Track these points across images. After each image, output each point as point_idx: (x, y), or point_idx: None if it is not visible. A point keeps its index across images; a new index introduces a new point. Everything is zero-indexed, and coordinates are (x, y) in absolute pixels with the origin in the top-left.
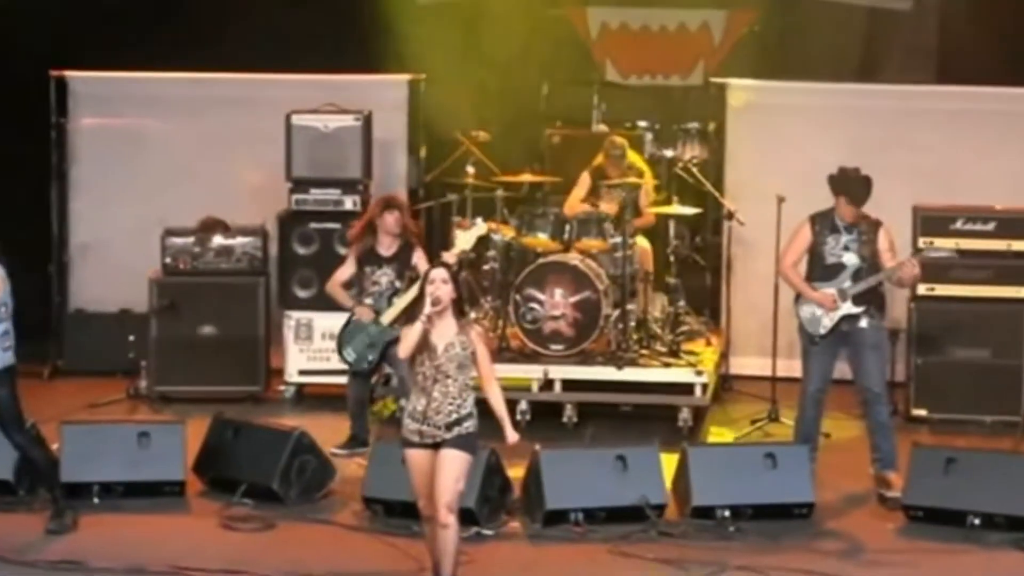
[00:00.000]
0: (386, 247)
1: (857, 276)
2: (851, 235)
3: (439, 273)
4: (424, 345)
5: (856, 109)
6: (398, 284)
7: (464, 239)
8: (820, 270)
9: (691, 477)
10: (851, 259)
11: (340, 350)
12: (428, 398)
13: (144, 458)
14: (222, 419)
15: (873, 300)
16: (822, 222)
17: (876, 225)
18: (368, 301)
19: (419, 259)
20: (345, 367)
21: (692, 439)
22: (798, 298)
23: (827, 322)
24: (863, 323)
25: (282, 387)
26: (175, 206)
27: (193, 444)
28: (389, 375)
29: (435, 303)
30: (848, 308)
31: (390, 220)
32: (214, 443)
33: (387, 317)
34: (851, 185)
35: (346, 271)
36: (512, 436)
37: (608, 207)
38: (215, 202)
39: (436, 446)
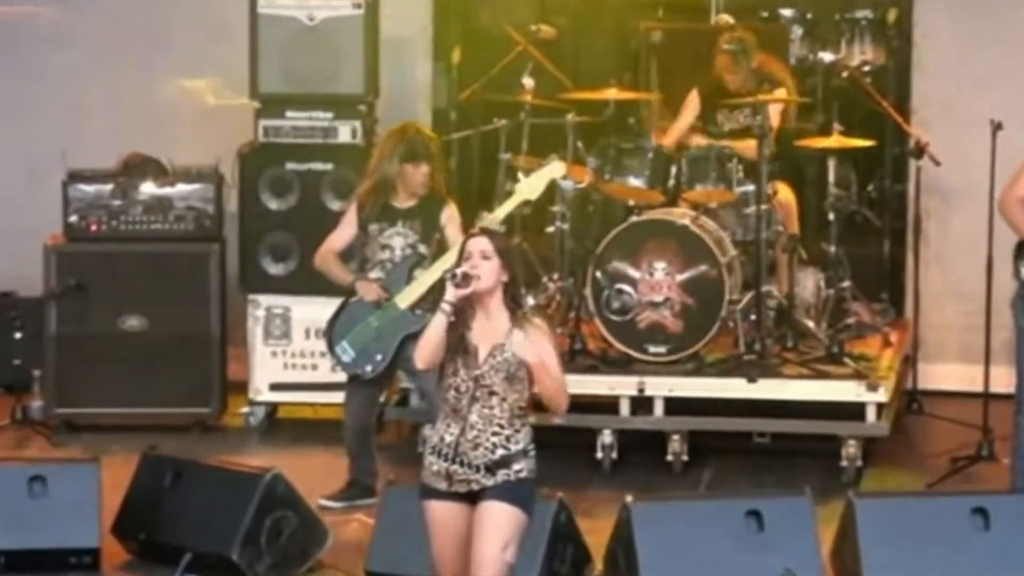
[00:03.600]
0: (403, 199)
1: None
2: None
3: (478, 244)
4: (456, 347)
5: None
6: (422, 249)
7: (528, 186)
8: None
9: (860, 542)
10: None
11: (331, 346)
12: (462, 424)
13: (39, 514)
14: (156, 457)
15: None
16: None
17: None
18: (375, 274)
19: (449, 218)
20: (341, 377)
21: (861, 486)
22: (1021, 247)
23: None
24: None
25: (246, 409)
26: (82, 137)
27: (113, 494)
28: (407, 390)
29: (462, 284)
30: None
31: (416, 177)
32: (144, 492)
33: (405, 298)
34: None
35: (344, 234)
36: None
37: (734, 141)
38: (143, 131)
39: (473, 497)
